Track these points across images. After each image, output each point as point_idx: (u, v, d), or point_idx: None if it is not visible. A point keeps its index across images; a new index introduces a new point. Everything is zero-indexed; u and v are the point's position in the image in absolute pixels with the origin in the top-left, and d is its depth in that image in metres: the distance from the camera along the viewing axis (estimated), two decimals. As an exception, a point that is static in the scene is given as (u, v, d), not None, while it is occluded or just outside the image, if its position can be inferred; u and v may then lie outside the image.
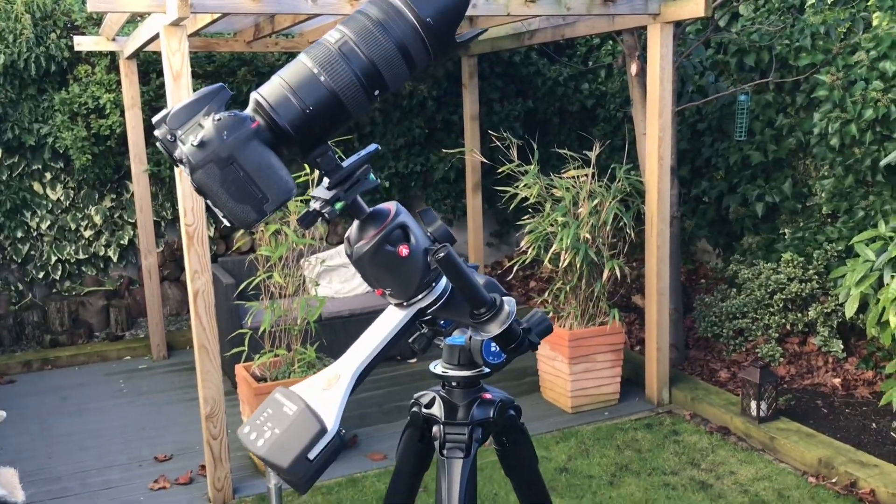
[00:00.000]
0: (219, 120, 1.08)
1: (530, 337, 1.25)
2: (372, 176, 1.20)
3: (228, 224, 1.11)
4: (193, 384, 4.73)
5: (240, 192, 1.08)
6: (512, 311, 1.21)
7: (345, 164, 1.19)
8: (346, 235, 1.24)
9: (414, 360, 5.62)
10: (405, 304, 1.23)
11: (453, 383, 1.34)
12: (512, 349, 1.22)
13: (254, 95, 1.14)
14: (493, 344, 1.23)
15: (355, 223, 1.22)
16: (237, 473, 3.99)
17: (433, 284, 1.23)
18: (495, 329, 1.19)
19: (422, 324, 1.28)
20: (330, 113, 1.13)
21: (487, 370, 1.30)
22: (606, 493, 3.77)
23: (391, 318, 1.23)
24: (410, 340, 1.27)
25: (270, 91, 1.13)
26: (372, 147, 1.21)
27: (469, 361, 1.32)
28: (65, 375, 5.69)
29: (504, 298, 1.22)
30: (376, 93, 1.16)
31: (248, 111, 1.14)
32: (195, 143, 1.06)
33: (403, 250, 1.19)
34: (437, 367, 1.35)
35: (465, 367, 1.32)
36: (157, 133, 1.12)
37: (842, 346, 4.87)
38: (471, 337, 1.27)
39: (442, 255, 1.16)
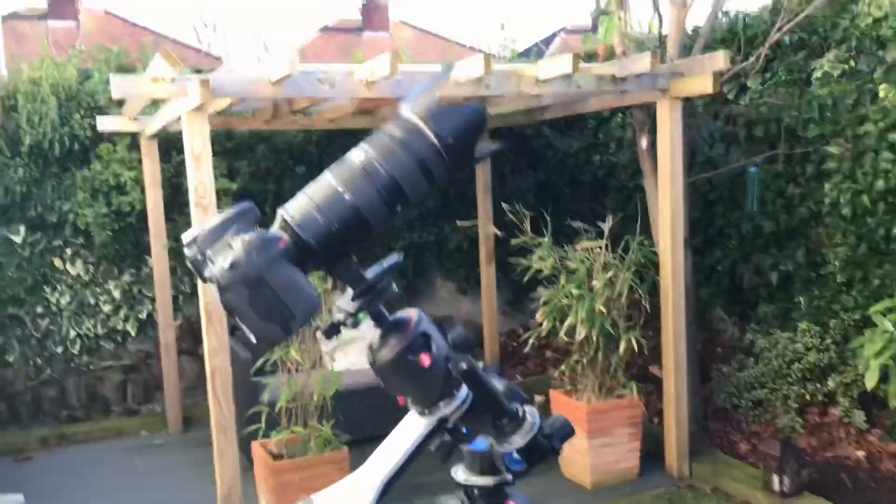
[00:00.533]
0: (248, 241, 1.11)
1: (553, 443, 1.26)
2: (395, 286, 1.24)
3: (255, 341, 1.14)
4: (210, 459, 4.70)
5: (268, 310, 1.11)
6: (535, 423, 1.22)
7: (368, 274, 1.22)
8: (367, 344, 1.26)
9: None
10: (426, 411, 1.25)
11: (475, 491, 1.34)
12: (535, 460, 1.23)
13: (280, 212, 1.18)
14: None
15: (377, 332, 1.25)
16: (253, 555, 3.95)
17: (454, 392, 1.25)
18: (518, 441, 1.21)
19: (443, 431, 1.29)
20: (354, 228, 1.17)
21: (510, 477, 1.31)
22: (628, 573, 3.70)
23: (413, 428, 1.24)
24: (433, 449, 1.28)
25: (297, 209, 1.17)
26: (393, 259, 1.25)
27: (491, 468, 1.32)
28: (82, 451, 5.68)
29: (527, 409, 1.23)
30: (398, 207, 1.20)
31: (275, 228, 1.18)
32: (225, 266, 1.09)
33: (425, 360, 1.21)
34: (459, 473, 1.36)
35: (487, 475, 1.33)
36: (186, 252, 1.15)
37: (864, 417, 4.81)
38: (493, 444, 1.28)
39: (464, 367, 1.18)
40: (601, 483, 4.62)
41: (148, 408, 6.34)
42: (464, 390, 1.25)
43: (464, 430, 1.29)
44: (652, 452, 4.98)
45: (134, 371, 6.43)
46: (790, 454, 4.22)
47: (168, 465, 5.35)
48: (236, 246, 1.12)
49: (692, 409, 4.95)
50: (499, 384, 1.27)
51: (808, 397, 4.99)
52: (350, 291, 1.22)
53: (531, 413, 1.23)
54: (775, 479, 4.23)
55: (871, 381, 4.13)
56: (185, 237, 1.16)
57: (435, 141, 1.18)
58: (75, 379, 6.14)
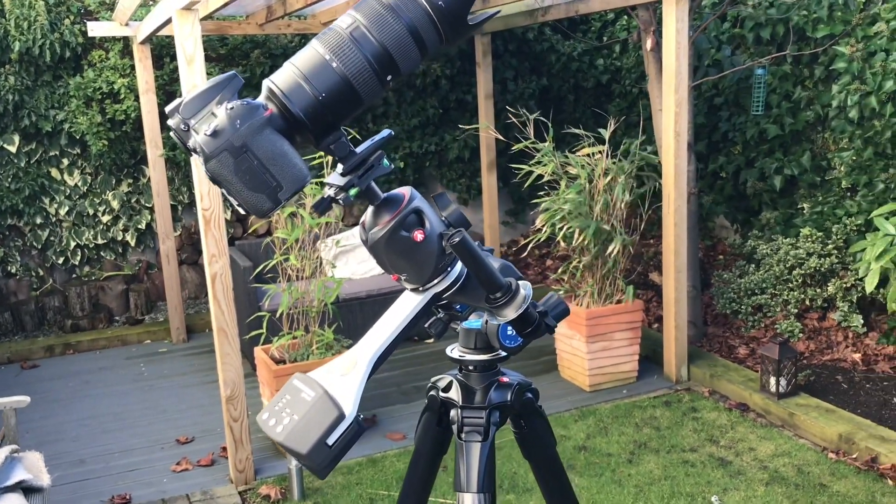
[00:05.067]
0: (231, 108, 1.07)
1: (546, 320, 1.25)
2: (386, 161, 1.20)
3: (244, 212, 1.11)
4: (213, 367, 4.77)
5: (254, 180, 1.07)
6: (528, 295, 1.21)
7: (358, 150, 1.18)
8: (360, 221, 1.23)
9: (431, 340, 5.62)
10: (420, 288, 1.23)
11: (470, 367, 1.34)
12: (528, 333, 1.22)
13: (266, 83, 1.13)
14: (510, 328, 1.23)
15: (370, 209, 1.22)
16: (258, 455, 4.04)
17: (448, 269, 1.23)
18: (511, 313, 1.19)
19: (438, 308, 1.28)
20: (343, 99, 1.12)
21: (504, 354, 1.30)
22: (625, 470, 3.78)
23: (407, 304, 1.23)
24: (427, 325, 1.27)
25: (283, 79, 1.12)
26: (385, 132, 1.21)
27: (486, 345, 1.32)
28: (86, 359, 5.75)
29: (520, 283, 1.21)
30: (388, 78, 1.14)
31: (261, 99, 1.13)
32: (208, 133, 1.06)
33: (418, 235, 1.18)
34: (454, 350, 1.35)
35: (481, 351, 1.32)
36: (170, 122, 1.11)
37: (862, 321, 4.84)
38: (487, 321, 1.27)
39: (457, 240, 1.15)
40: (599, 385, 4.68)
41: (150, 317, 6.40)
42: (458, 267, 1.23)
43: (457, 307, 1.28)
44: (651, 357, 5.05)
45: (135, 281, 6.47)
46: (787, 356, 4.26)
47: (172, 371, 5.43)
48: (220, 114, 1.08)
49: (692, 314, 4.98)
50: (494, 262, 1.25)
51: (807, 302, 5.01)
52: (340, 166, 1.19)
53: (524, 286, 1.21)
54: (772, 380, 4.28)
55: (870, 285, 4.12)
56: (169, 106, 1.12)
57: (426, 5, 1.12)
58: (78, 289, 6.17)
